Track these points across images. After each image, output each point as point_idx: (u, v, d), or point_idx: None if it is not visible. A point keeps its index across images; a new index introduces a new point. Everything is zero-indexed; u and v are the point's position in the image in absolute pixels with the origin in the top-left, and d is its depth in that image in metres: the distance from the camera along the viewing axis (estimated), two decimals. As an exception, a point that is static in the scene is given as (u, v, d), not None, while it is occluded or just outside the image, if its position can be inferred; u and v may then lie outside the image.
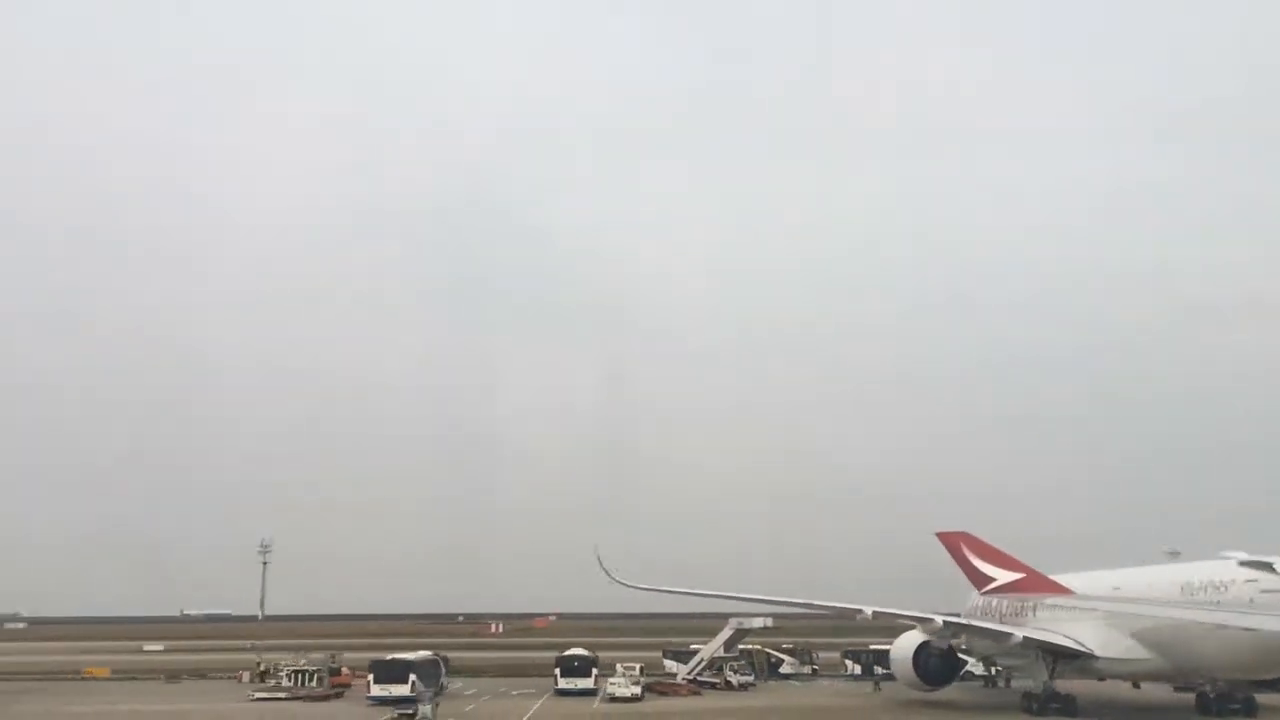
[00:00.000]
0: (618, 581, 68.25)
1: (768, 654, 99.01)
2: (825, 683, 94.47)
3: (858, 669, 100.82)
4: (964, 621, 69.66)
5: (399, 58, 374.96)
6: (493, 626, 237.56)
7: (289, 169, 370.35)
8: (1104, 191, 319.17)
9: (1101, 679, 71.59)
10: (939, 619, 68.90)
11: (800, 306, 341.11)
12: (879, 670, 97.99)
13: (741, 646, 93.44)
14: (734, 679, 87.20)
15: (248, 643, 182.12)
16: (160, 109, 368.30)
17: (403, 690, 73.30)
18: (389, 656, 79.73)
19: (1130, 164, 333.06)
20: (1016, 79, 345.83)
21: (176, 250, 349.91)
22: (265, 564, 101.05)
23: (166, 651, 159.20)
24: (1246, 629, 53.42)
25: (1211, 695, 65.41)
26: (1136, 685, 74.07)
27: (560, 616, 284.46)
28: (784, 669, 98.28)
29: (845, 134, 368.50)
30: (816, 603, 73.37)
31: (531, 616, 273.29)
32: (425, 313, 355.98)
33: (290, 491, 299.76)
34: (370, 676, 75.49)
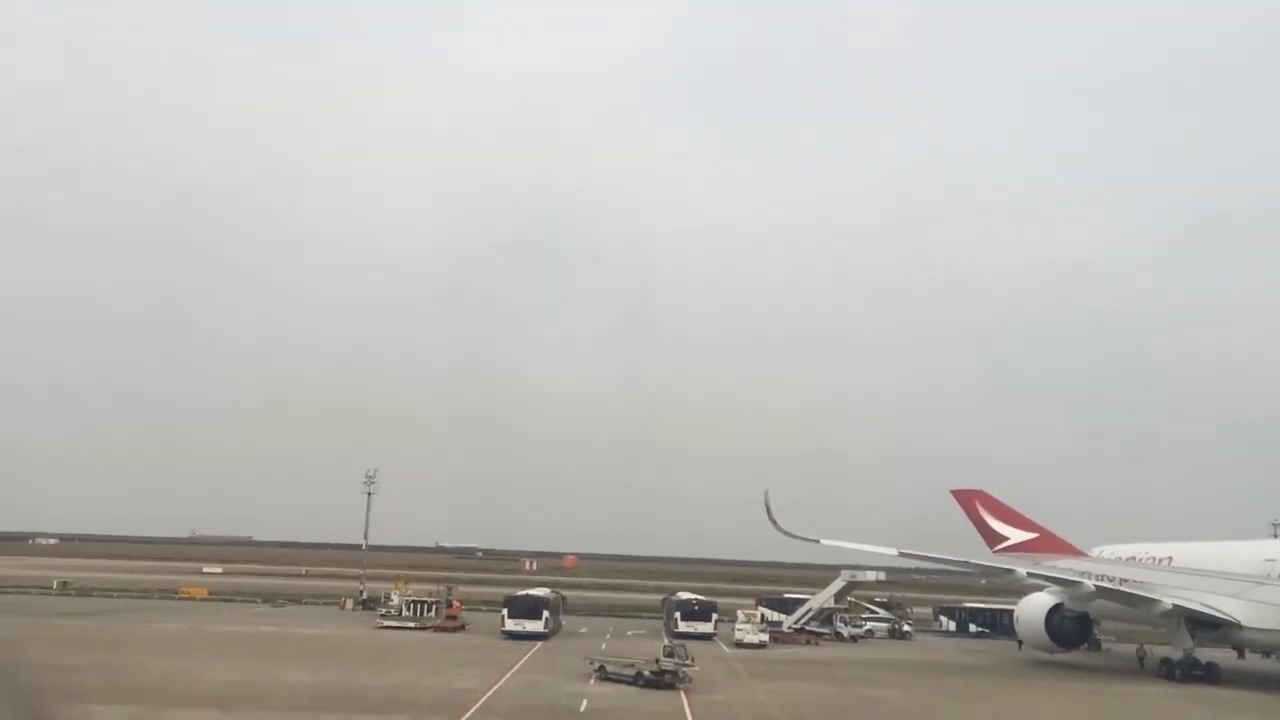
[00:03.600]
0: (784, 531, 68.29)
1: (866, 607, 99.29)
2: (928, 639, 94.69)
3: (952, 626, 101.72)
4: (1113, 587, 69.58)
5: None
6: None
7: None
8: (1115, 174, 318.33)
9: (1240, 649, 71.90)
10: (1089, 583, 68.78)
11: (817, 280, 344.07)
12: (973, 628, 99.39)
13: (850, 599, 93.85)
14: (844, 630, 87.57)
15: (302, 569, 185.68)
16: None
17: (536, 626, 73.95)
18: (521, 593, 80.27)
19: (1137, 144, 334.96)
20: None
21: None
22: (370, 494, 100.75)
23: (225, 574, 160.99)
24: None
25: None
26: (1267, 655, 74.29)
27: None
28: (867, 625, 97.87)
29: (867, 102, 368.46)
30: (972, 561, 73.39)
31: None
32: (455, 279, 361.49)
33: (325, 430, 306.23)
34: (504, 611, 75.91)
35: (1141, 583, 72.10)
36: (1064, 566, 78.89)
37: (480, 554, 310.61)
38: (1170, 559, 74.11)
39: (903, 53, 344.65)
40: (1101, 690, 63.36)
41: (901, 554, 68.14)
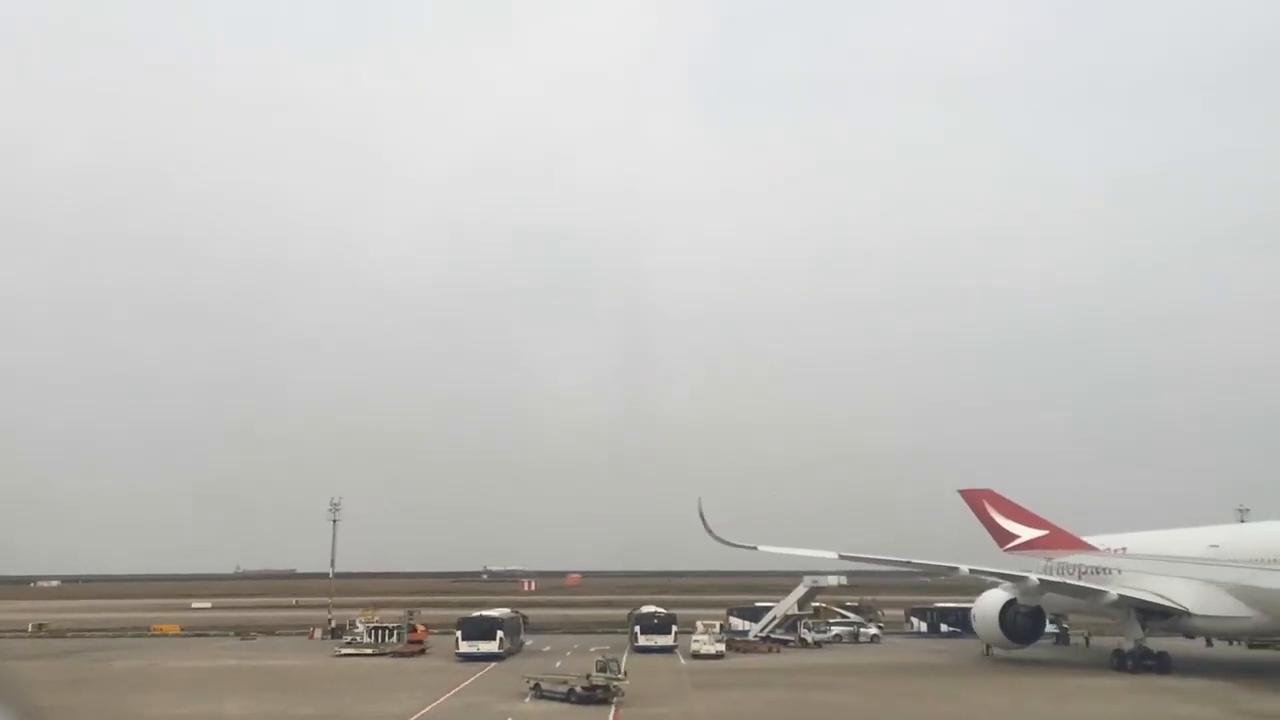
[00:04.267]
0: (719, 539, 68.47)
1: (837, 612, 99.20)
2: (898, 641, 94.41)
3: (923, 626, 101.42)
4: (1058, 580, 69.63)
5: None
6: (525, 584, 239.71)
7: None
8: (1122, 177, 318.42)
9: (1193, 637, 71.74)
10: (1033, 577, 68.75)
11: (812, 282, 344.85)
12: (944, 628, 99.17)
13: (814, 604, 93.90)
14: (809, 636, 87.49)
15: (293, 599, 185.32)
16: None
17: (490, 647, 73.87)
18: (476, 614, 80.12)
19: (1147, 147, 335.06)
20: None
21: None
22: (335, 522, 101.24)
23: (214, 609, 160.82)
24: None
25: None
26: (1231, 642, 73.99)
27: (583, 574, 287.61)
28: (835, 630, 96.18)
29: (864, 107, 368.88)
30: (914, 560, 73.33)
31: (556, 575, 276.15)
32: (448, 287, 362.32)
33: (318, 455, 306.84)
34: (459, 633, 75.88)
35: (1109, 572, 72.05)
36: (1074, 562, 78.75)
37: (485, 575, 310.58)
38: (1124, 549, 74.21)
39: (905, 54, 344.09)
40: (1055, 685, 63.13)
41: (842, 556, 68.05)
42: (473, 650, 73.57)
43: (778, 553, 70.94)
